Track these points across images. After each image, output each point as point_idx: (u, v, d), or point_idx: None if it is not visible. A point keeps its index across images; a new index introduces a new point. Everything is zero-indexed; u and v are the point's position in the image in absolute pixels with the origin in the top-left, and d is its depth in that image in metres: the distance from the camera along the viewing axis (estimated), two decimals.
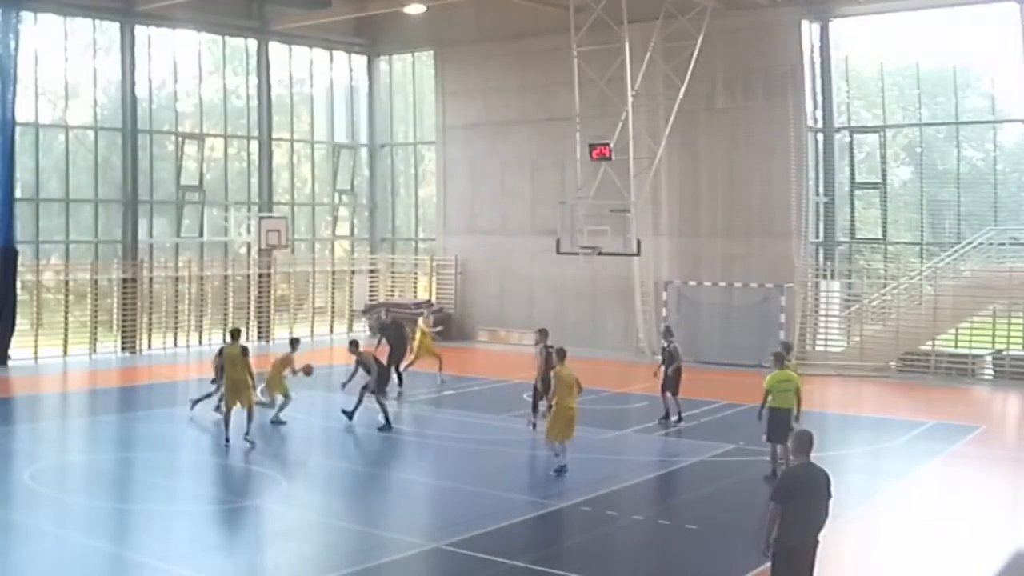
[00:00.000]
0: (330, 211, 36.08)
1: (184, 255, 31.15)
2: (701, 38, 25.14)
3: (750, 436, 17.26)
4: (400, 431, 19.00)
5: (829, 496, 9.12)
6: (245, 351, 17.44)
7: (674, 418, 19.52)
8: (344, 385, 19.60)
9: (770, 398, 14.86)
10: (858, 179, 28.20)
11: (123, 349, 28.87)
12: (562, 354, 15.67)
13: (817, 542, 9.04)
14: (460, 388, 22.84)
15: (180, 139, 30.88)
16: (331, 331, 34.10)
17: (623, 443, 18.26)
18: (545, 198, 30.26)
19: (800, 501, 8.90)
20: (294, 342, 20.28)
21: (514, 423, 19.95)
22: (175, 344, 29.92)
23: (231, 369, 17.26)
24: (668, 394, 19.54)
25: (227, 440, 16.99)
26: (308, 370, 19.75)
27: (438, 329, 26.06)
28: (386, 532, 12.98)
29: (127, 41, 28.88)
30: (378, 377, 18.90)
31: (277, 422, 18.66)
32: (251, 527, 13.40)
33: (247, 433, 17.17)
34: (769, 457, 15.18)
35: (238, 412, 17.33)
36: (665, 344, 20.04)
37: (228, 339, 17.85)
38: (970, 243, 25.70)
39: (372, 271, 35.69)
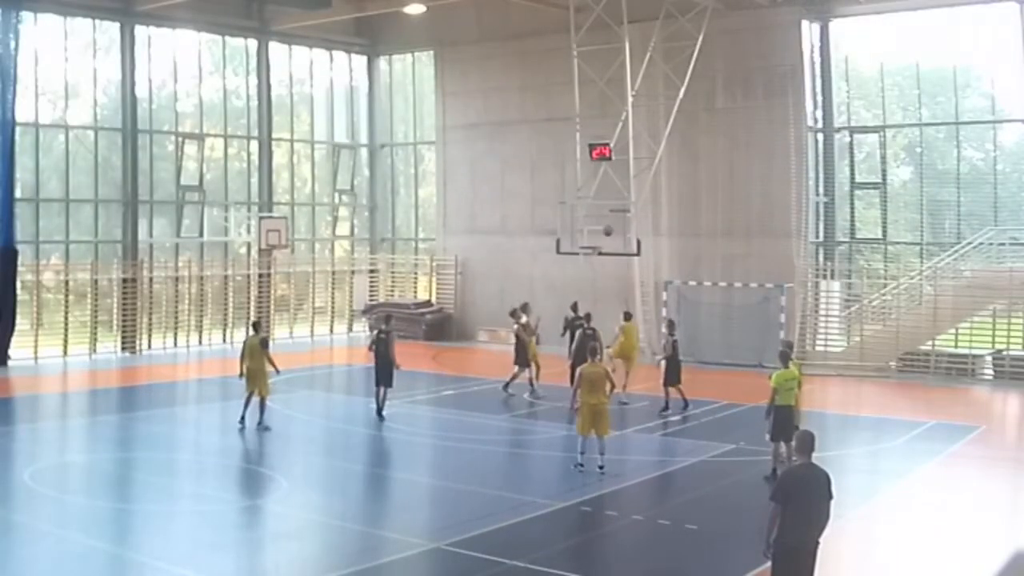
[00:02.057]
0: (330, 211, 36.08)
1: (184, 255, 31.14)
2: (701, 38, 25.12)
3: (750, 436, 17.29)
4: (402, 431, 19.00)
5: (830, 497, 9.10)
6: (264, 342, 18.72)
7: (671, 411, 20.42)
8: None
9: (777, 397, 14.89)
10: (858, 179, 28.19)
11: (123, 349, 28.86)
12: (593, 352, 16.12)
13: (818, 544, 9.02)
14: (460, 388, 22.83)
15: (180, 139, 30.86)
16: (331, 331, 34.12)
17: (623, 443, 18.23)
18: (545, 198, 30.24)
19: (800, 501, 8.89)
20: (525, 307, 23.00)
21: (514, 423, 19.98)
22: (175, 344, 29.91)
23: (250, 359, 18.50)
24: (669, 387, 20.40)
25: (242, 421, 18.31)
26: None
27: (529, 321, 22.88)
28: (386, 532, 12.99)
29: (127, 41, 28.88)
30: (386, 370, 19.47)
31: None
32: (251, 527, 13.41)
33: (259, 422, 18.31)
34: (771, 456, 15.18)
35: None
36: (670, 336, 20.76)
37: (250, 331, 19.14)
38: (970, 243, 25.69)
39: (372, 271, 35.68)
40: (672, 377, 20.47)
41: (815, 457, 9.19)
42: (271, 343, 19.55)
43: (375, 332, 20.01)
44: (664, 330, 21.44)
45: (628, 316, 22.97)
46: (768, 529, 8.98)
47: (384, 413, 19.39)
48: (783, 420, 14.79)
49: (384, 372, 19.47)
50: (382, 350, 19.51)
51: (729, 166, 28.17)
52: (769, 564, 9.03)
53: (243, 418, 18.44)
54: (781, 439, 14.85)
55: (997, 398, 24.18)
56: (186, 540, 12.39)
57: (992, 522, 13.85)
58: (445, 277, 34.02)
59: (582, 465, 15.41)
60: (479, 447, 17.80)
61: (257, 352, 18.46)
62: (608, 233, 23.44)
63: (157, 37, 29.90)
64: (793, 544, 8.89)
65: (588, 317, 21.55)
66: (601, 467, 15.19)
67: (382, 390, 19.50)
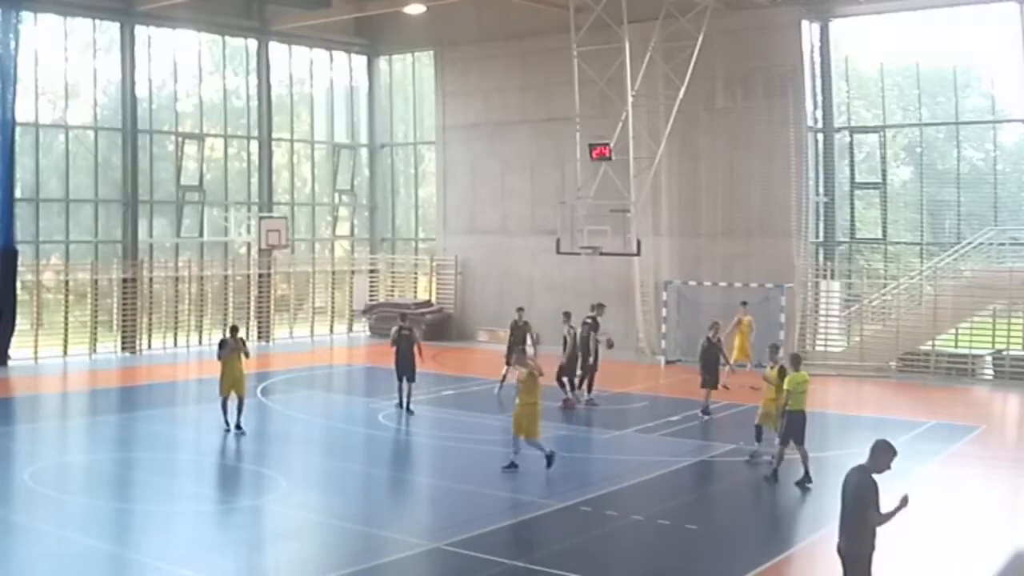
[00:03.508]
0: (330, 211, 36.08)
1: (184, 255, 31.15)
2: (701, 38, 25.14)
3: (750, 436, 17.26)
4: (402, 431, 19.01)
5: (852, 499, 8.94)
6: (222, 343, 18.55)
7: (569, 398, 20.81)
8: None
9: (790, 400, 14.81)
10: (858, 179, 28.20)
11: (123, 349, 28.86)
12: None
13: (851, 549, 8.85)
14: (460, 388, 22.82)
15: (180, 139, 30.87)
16: (331, 331, 34.12)
17: (623, 443, 18.25)
18: (545, 198, 30.26)
19: (842, 502, 8.93)
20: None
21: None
22: (175, 344, 29.91)
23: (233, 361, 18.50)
24: (564, 378, 20.87)
25: (227, 426, 18.22)
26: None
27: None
28: (386, 532, 12.98)
29: (127, 41, 28.88)
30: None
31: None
32: (251, 527, 13.40)
33: (238, 424, 18.20)
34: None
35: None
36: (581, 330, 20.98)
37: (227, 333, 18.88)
38: (970, 243, 25.70)
39: (372, 271, 35.69)
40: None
41: (819, 456, 9.15)
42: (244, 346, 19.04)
43: (395, 328, 20.30)
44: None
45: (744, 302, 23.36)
46: None
47: (411, 408, 19.94)
48: (796, 424, 14.78)
49: (406, 367, 20.00)
50: (404, 346, 20.04)
51: (729, 166, 28.17)
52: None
53: (237, 423, 18.28)
54: (790, 441, 14.83)
55: (997, 398, 24.18)
56: (186, 540, 12.39)
57: (992, 522, 13.85)
58: (445, 277, 34.02)
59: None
60: (479, 447, 17.80)
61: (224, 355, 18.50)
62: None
63: (157, 37, 29.90)
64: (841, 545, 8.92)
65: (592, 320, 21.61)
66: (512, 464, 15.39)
67: (405, 384, 20.00)
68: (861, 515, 8.79)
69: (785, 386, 14.92)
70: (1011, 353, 25.14)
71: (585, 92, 25.27)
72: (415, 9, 29.24)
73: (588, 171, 25.44)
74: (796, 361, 15.30)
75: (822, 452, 15.89)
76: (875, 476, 8.87)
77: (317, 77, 34.86)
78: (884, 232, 28.06)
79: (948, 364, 25.51)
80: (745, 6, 27.06)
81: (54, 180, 28.50)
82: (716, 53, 26.62)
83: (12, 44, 25.64)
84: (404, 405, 20.09)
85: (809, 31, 27.67)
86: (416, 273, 35.52)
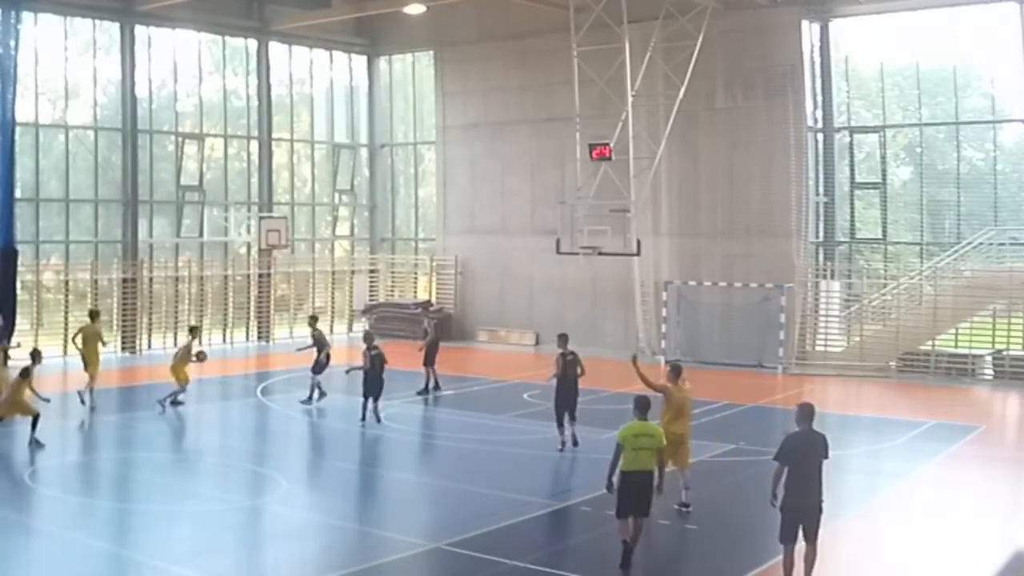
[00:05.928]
0: (330, 211, 36.09)
1: (184, 255, 31.15)
2: (701, 38, 25.15)
3: (750, 436, 17.30)
4: (402, 431, 18.99)
5: (825, 456, 10.32)
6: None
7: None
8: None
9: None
10: (858, 179, 28.21)
11: (123, 349, 28.86)
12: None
13: (822, 502, 10.21)
14: (460, 388, 22.81)
15: (180, 139, 30.87)
16: (331, 331, 34.03)
17: None
18: (545, 198, 30.26)
19: (798, 463, 10.09)
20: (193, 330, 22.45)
21: (514, 423, 19.96)
22: (175, 344, 29.72)
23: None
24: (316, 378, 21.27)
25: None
26: (202, 357, 21.08)
27: None
28: (386, 532, 12.98)
29: (127, 41, 28.89)
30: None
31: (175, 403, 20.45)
32: (251, 527, 13.40)
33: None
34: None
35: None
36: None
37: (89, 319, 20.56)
38: (970, 243, 25.71)
39: (372, 271, 35.69)
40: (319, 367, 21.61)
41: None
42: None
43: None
44: None
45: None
46: (772, 484, 10.23)
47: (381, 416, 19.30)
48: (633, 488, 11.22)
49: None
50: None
51: (729, 166, 28.18)
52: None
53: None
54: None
55: (997, 398, 24.17)
56: (186, 540, 12.39)
57: (992, 522, 13.84)
58: (445, 277, 34.02)
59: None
60: (479, 447, 17.80)
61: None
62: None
63: (157, 37, 29.90)
64: (795, 503, 10.11)
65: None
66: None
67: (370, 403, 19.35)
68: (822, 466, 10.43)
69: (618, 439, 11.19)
70: (1011, 353, 25.14)
71: (585, 92, 25.27)
72: (415, 9, 29.25)
73: (588, 171, 25.44)
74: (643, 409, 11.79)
75: None
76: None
77: (317, 77, 34.86)
78: (884, 232, 28.06)
79: (948, 364, 25.50)
80: (745, 6, 27.07)
81: (54, 180, 28.50)
82: (716, 53, 26.62)
83: (12, 44, 25.61)
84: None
85: (809, 31, 27.68)
86: (416, 273, 35.53)
